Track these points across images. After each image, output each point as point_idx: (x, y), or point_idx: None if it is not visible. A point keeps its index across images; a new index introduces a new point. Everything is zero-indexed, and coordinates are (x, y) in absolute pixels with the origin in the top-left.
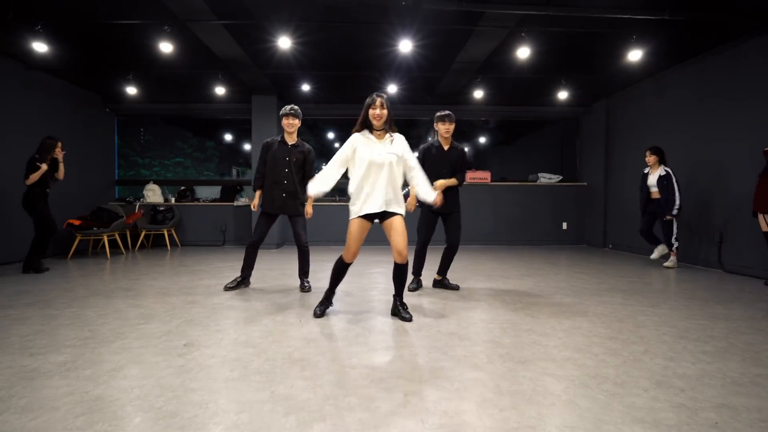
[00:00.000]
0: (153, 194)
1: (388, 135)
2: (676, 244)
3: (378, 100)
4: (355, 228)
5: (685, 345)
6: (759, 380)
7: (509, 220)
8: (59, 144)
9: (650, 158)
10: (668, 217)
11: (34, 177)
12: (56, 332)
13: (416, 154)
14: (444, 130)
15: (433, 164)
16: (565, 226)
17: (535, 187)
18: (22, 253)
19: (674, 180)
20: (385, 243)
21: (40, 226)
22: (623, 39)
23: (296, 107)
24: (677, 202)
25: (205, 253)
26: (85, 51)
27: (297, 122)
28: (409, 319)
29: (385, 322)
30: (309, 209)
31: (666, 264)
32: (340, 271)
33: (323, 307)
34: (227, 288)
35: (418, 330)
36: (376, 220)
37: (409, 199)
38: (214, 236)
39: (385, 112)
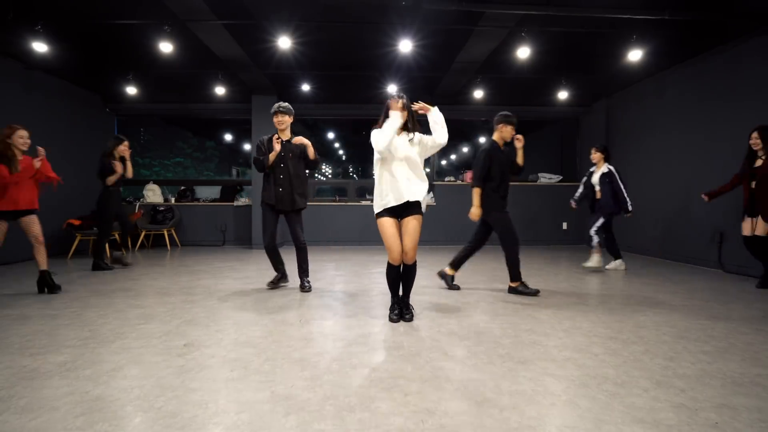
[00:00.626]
0: (153, 194)
1: (404, 132)
2: (596, 239)
3: (399, 101)
4: (386, 227)
5: (685, 345)
6: (759, 380)
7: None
8: (125, 143)
9: (595, 155)
10: (628, 215)
11: (112, 180)
12: (56, 332)
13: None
14: (510, 130)
15: (500, 165)
16: (565, 226)
17: (535, 187)
18: (24, 254)
19: (618, 177)
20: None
21: (101, 226)
22: (623, 39)
23: (286, 104)
24: (627, 199)
25: (205, 253)
26: (85, 51)
27: (288, 119)
28: (410, 319)
29: (385, 322)
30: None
31: (589, 264)
32: (391, 275)
33: (395, 311)
34: (270, 286)
35: (418, 330)
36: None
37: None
38: (214, 236)
39: (404, 113)
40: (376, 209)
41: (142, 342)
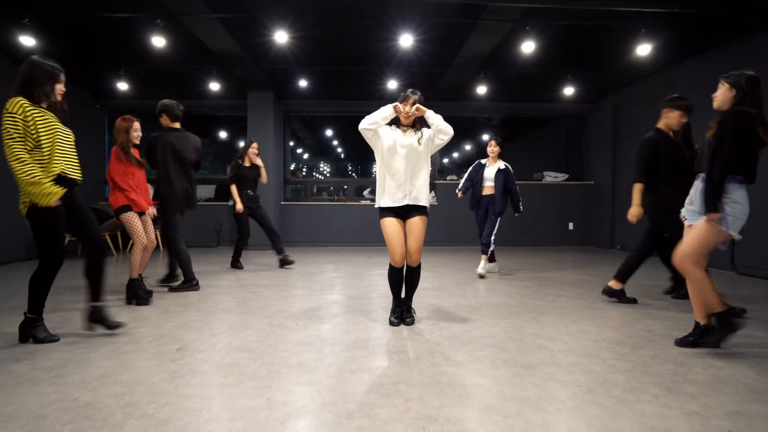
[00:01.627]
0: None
1: (411, 130)
2: (492, 247)
3: (409, 102)
4: (389, 227)
5: (696, 350)
6: None
7: (513, 220)
8: (253, 145)
9: (495, 148)
10: (517, 214)
11: (236, 198)
12: None
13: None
14: (678, 116)
15: (669, 157)
16: (571, 226)
17: (540, 186)
18: (10, 255)
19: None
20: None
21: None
22: (631, 33)
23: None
24: (520, 198)
25: (199, 254)
26: (74, 46)
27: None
28: (411, 323)
29: (386, 326)
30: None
31: (482, 270)
32: (393, 278)
33: (396, 315)
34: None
35: (419, 334)
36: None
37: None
38: (208, 237)
39: (413, 111)
40: (378, 205)
41: (133, 346)
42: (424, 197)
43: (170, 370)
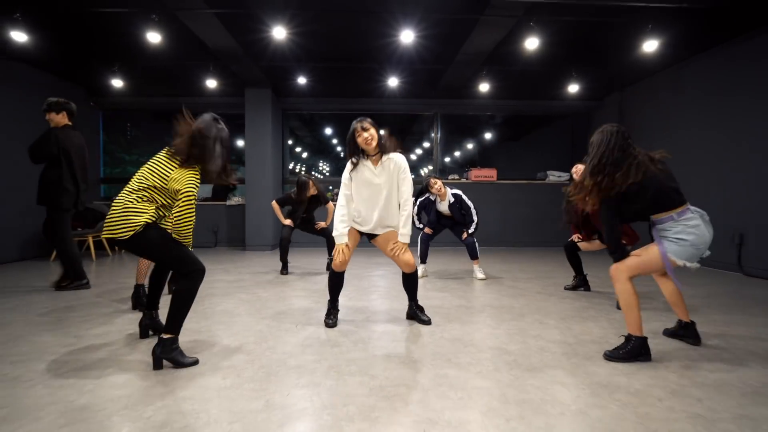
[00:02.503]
0: None
1: (384, 158)
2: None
3: (359, 125)
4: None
5: (702, 352)
6: None
7: (517, 221)
8: (310, 183)
9: (441, 189)
10: (465, 236)
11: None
12: (38, 338)
13: None
14: None
15: None
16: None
17: (544, 186)
18: (3, 256)
19: (465, 198)
20: None
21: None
22: (638, 28)
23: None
24: (475, 218)
25: (196, 254)
26: (67, 41)
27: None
28: (428, 322)
29: (386, 328)
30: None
31: (482, 275)
32: (335, 282)
33: (333, 317)
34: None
35: (420, 336)
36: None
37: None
38: (205, 237)
39: (373, 131)
40: (339, 230)
41: (129, 348)
42: (393, 222)
43: (167, 372)
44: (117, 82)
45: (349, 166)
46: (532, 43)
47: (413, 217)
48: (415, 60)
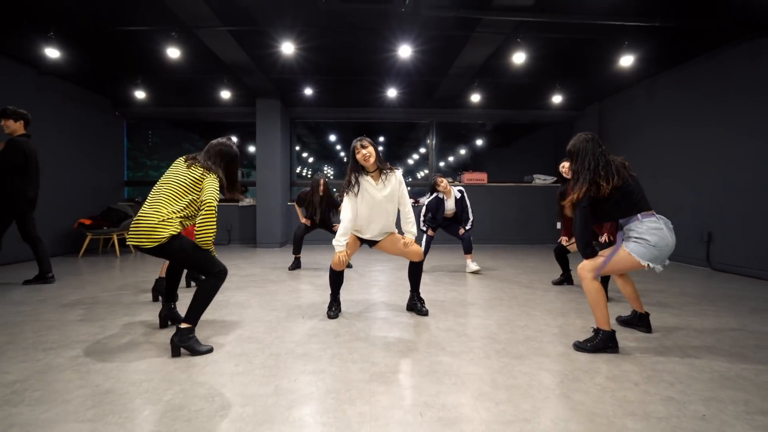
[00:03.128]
0: None
1: (382, 175)
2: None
3: (359, 143)
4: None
5: (675, 341)
6: (745, 374)
7: (506, 220)
8: (321, 182)
9: (447, 187)
10: (462, 232)
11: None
12: (68, 328)
13: None
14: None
15: None
16: (559, 225)
17: (530, 188)
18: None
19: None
20: None
21: None
22: (615, 45)
23: None
24: (471, 217)
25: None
26: (95, 56)
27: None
28: (425, 314)
29: (385, 319)
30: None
31: (475, 267)
32: (335, 279)
33: (335, 309)
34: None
35: (417, 326)
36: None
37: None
38: (220, 235)
39: (371, 149)
40: (340, 238)
41: (149, 337)
42: (392, 229)
43: (184, 359)
44: (140, 94)
45: (349, 193)
46: (519, 58)
47: (421, 220)
48: (413, 73)
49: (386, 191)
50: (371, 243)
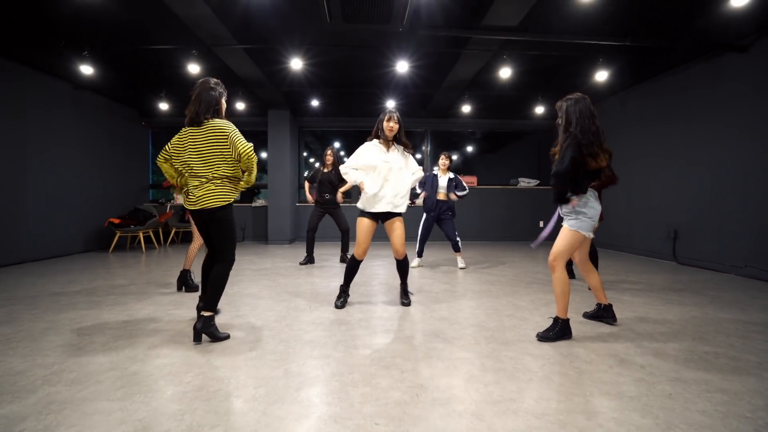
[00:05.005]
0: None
1: (395, 145)
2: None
3: (392, 114)
4: (364, 226)
5: (645, 327)
6: (706, 357)
7: (493, 219)
8: (327, 151)
9: (447, 161)
10: (454, 196)
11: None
12: (100, 316)
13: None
14: None
15: None
16: (542, 224)
17: (515, 190)
18: (71, 248)
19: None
20: (385, 239)
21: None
22: (591, 61)
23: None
24: (467, 189)
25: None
26: (124, 72)
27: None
28: (408, 304)
29: (385, 309)
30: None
31: (462, 264)
32: (352, 268)
33: (342, 300)
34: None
35: (413, 315)
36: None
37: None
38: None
39: (397, 125)
40: (362, 208)
41: (173, 325)
42: (403, 206)
43: (203, 345)
44: (164, 105)
45: (368, 145)
46: (505, 73)
47: (420, 189)
48: (409, 86)
49: (392, 156)
50: (383, 218)
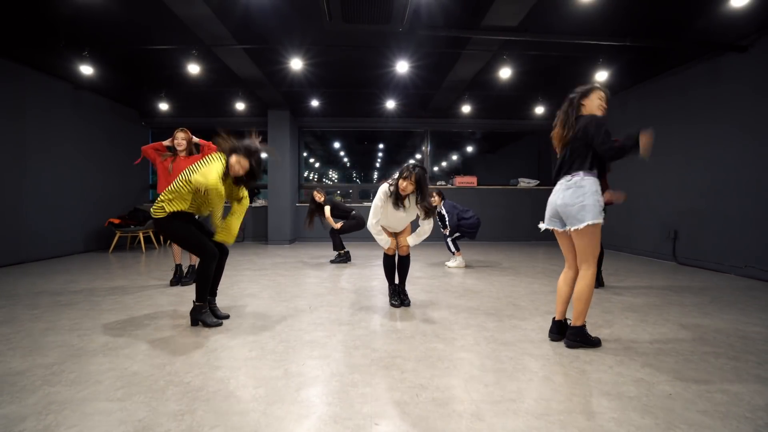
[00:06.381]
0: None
1: (408, 200)
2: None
3: (408, 175)
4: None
5: (645, 327)
6: (706, 357)
7: (493, 220)
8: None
9: (437, 198)
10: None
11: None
12: (100, 316)
13: None
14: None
15: None
16: (542, 225)
17: (515, 191)
18: (71, 248)
19: (445, 213)
20: None
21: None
22: (591, 61)
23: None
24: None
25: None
26: (124, 72)
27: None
28: (407, 305)
29: (385, 309)
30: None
31: (453, 264)
32: (390, 266)
33: (395, 299)
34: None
35: (413, 316)
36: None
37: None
38: None
39: (411, 186)
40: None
41: (172, 324)
42: (410, 240)
43: (204, 345)
44: (163, 105)
45: (382, 197)
46: (505, 73)
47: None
48: (409, 86)
49: (405, 211)
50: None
